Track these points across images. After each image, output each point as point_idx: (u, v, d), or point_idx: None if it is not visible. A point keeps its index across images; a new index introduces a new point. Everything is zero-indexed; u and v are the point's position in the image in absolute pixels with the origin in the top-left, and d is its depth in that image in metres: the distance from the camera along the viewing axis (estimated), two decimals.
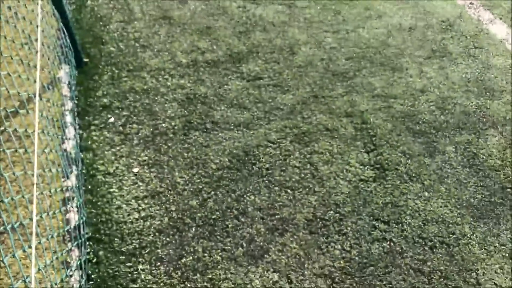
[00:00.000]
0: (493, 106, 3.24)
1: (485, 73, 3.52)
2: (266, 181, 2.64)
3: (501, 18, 4.16)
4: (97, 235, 2.31)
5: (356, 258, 2.34)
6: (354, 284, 2.24)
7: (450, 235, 2.47)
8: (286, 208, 2.52)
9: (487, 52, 3.72)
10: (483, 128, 3.08)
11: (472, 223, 2.54)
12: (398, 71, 3.46)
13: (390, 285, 2.25)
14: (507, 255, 2.42)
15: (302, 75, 3.36)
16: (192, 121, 2.93)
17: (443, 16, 4.07)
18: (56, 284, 1.71)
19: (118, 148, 2.72)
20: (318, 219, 2.49)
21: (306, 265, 2.29)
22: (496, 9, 4.27)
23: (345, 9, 4.04)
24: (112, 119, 2.90)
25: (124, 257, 2.24)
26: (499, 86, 3.42)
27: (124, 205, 2.45)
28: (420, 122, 3.08)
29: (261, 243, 2.36)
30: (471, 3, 4.31)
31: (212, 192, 2.55)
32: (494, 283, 2.30)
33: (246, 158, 2.75)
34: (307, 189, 2.63)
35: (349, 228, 2.46)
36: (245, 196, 2.55)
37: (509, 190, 2.73)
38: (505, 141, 3.01)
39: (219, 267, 2.24)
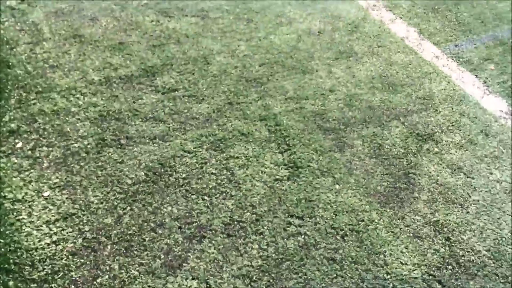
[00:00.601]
0: (395, 99, 3.50)
1: (388, 70, 3.79)
2: (183, 191, 2.67)
3: (401, 18, 4.50)
4: (6, 265, 2.22)
5: (273, 255, 2.43)
6: (271, 280, 2.32)
7: (360, 223, 2.63)
8: (203, 215, 2.57)
9: (389, 50, 4.01)
10: (387, 120, 3.31)
11: (379, 209, 2.72)
12: (308, 74, 3.64)
13: (305, 276, 2.35)
14: (411, 235, 2.62)
15: (217, 83, 3.43)
16: (105, 138, 2.90)
17: (348, 19, 4.33)
18: None
19: (26, 173, 2.64)
20: (236, 222, 2.55)
21: (224, 268, 2.34)
22: (397, 10, 4.62)
23: (257, 18, 4.19)
24: (20, 144, 2.80)
25: (35, 285, 2.17)
26: (400, 80, 3.69)
27: (34, 231, 2.37)
28: (330, 119, 3.26)
29: (179, 252, 2.38)
30: (374, 5, 4.63)
31: (128, 208, 2.54)
32: (400, 262, 2.48)
33: (163, 170, 2.76)
34: (224, 194, 2.69)
35: (265, 227, 2.55)
36: (161, 207, 2.57)
37: (411, 175, 2.95)
38: (407, 130, 3.26)
39: (136, 282, 2.23)
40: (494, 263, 2.52)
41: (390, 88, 3.60)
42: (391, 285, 2.37)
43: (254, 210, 2.62)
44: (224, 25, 4.05)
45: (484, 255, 2.56)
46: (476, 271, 2.48)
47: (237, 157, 2.90)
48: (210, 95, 3.33)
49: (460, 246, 2.59)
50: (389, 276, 2.40)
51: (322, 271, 2.39)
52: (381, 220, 2.67)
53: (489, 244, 2.61)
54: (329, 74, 3.66)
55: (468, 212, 2.77)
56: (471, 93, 3.64)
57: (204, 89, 3.37)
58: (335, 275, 2.38)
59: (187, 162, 2.83)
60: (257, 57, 3.73)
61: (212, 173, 2.79)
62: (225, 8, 4.30)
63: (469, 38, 4.28)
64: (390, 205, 2.76)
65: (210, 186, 2.72)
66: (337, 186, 2.81)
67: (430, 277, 2.42)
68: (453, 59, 3.99)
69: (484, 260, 2.53)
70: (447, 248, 2.57)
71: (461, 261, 2.52)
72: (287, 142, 3.04)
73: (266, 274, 2.34)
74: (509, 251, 2.58)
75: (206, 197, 2.65)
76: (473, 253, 2.56)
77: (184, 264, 2.34)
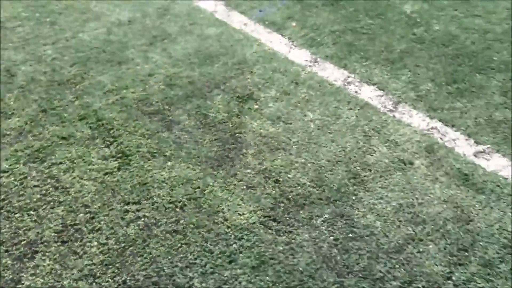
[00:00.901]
0: (213, 70, 3.69)
1: (203, 44, 3.96)
2: (4, 212, 2.48)
3: None
4: None
5: (114, 246, 2.42)
6: (116, 270, 2.32)
7: (196, 190, 2.76)
8: (32, 230, 2.42)
9: (201, 26, 4.18)
10: (209, 91, 3.49)
11: (213, 172, 2.88)
12: (124, 63, 3.61)
13: (150, 255, 2.40)
14: (245, 187, 2.84)
15: (26, 94, 3.21)
16: None
17: (157, 4, 4.38)
18: None
19: None
20: (69, 227, 2.47)
21: (64, 276, 2.26)
22: None
23: (61, 19, 3.99)
24: None
25: None
26: (216, 52, 3.89)
27: None
28: (153, 103, 3.30)
29: (11, 276, 2.23)
30: None
31: None
32: (238, 214, 2.68)
33: None
34: (51, 203, 2.57)
35: (102, 222, 2.51)
36: None
37: (237, 135, 3.17)
38: (228, 96, 3.47)
39: None
40: (317, 190, 2.87)
41: (207, 60, 3.78)
42: (232, 236, 2.55)
43: (87, 209, 2.56)
44: (25, 33, 3.77)
45: (309, 185, 2.90)
46: (304, 201, 2.80)
47: (60, 163, 2.78)
48: (20, 107, 3.10)
49: (288, 184, 2.89)
50: (229, 229, 2.58)
51: (167, 245, 2.46)
52: (216, 182, 2.83)
53: (312, 176, 2.96)
54: (146, 60, 3.68)
55: (291, 154, 3.09)
56: (279, 50, 4.01)
57: (12, 102, 3.12)
58: (179, 244, 2.47)
59: (3, 182, 2.62)
60: (67, 58, 3.57)
61: (34, 186, 2.63)
62: (24, 15, 4.00)
63: (271, 2, 4.67)
64: (223, 166, 2.94)
65: (35, 199, 2.57)
66: (169, 163, 2.89)
67: (266, 218, 2.67)
68: (259, 24, 4.33)
69: (310, 190, 2.87)
70: (277, 189, 2.85)
71: (290, 196, 2.81)
72: (112, 134, 3.00)
73: (110, 266, 2.33)
74: (328, 177, 2.96)
75: (31, 212, 2.50)
76: (299, 187, 2.88)
77: (18, 286, 2.19)
